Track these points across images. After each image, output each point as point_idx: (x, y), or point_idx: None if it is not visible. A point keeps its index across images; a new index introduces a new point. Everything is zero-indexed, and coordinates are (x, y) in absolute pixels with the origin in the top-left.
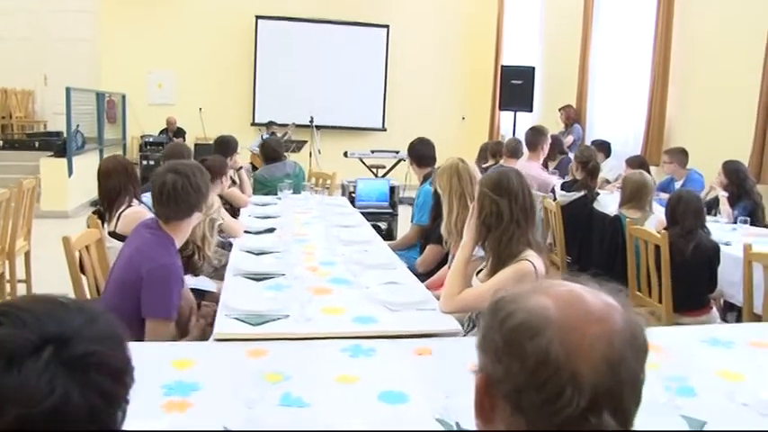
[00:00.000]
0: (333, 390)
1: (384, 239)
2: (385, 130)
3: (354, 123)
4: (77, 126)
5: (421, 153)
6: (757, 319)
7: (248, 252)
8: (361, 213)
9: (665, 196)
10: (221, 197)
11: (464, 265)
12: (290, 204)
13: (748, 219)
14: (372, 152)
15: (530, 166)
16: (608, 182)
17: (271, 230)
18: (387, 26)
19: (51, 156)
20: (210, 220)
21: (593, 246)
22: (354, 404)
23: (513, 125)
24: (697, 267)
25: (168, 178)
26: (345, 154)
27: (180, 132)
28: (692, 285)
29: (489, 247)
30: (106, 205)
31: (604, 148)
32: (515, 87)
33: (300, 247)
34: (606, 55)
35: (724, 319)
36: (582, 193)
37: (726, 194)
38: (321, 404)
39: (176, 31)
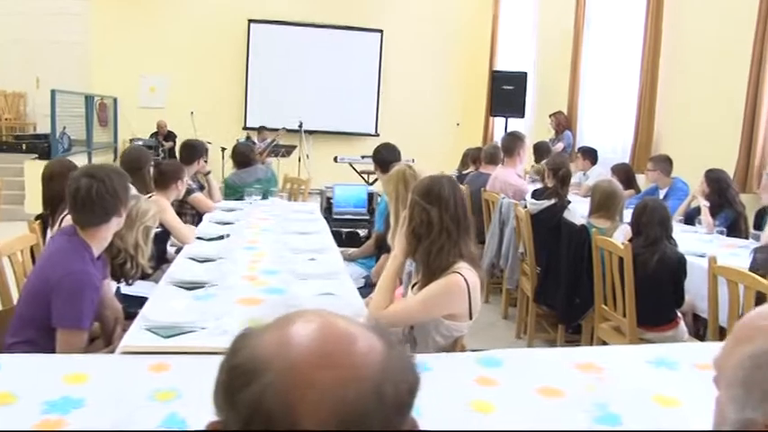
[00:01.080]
0: None
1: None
2: (378, 135)
3: (347, 128)
4: (64, 128)
5: (385, 158)
6: (723, 336)
7: (191, 259)
8: (339, 220)
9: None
10: (186, 202)
11: (393, 277)
12: (254, 210)
13: (725, 230)
14: (363, 157)
15: (506, 173)
16: None
17: (222, 237)
18: (380, 31)
19: (36, 158)
20: (145, 227)
21: (561, 256)
22: None
23: (505, 131)
24: (661, 280)
25: (82, 183)
26: (335, 159)
27: (171, 136)
28: (657, 299)
29: (419, 258)
30: (50, 210)
31: (591, 155)
32: (506, 93)
33: (248, 255)
34: (597, 62)
35: (697, 335)
36: (552, 201)
37: (707, 204)
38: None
39: (168, 34)
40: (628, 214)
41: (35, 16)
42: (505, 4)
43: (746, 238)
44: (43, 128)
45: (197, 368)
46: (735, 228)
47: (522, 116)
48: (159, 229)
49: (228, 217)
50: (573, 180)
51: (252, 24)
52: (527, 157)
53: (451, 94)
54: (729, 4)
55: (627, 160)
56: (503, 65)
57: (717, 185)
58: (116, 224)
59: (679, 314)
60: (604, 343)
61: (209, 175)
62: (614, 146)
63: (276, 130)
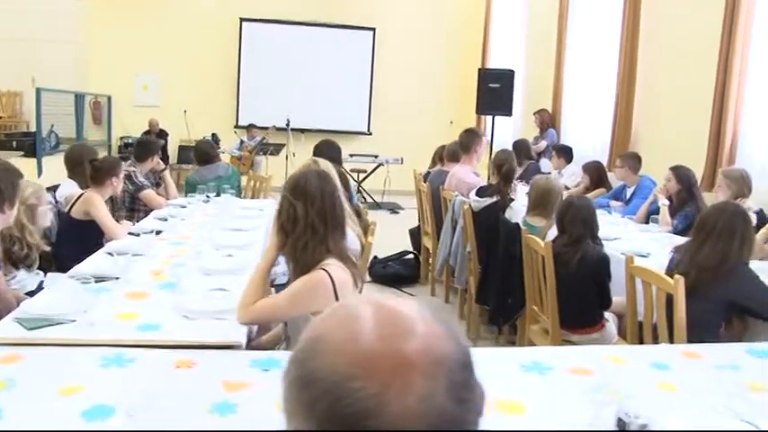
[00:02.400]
0: (49, 403)
1: None
2: (370, 133)
3: (340, 127)
4: (52, 126)
5: (325, 155)
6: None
7: (108, 253)
8: None
9: (615, 204)
10: (138, 199)
11: (262, 273)
12: (201, 207)
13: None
14: (351, 156)
15: (462, 171)
16: (567, 188)
17: (154, 233)
18: (373, 29)
19: (23, 155)
20: (27, 207)
21: (498, 255)
22: (57, 420)
23: (492, 129)
24: (583, 280)
25: None
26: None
27: (162, 134)
28: (581, 300)
29: (287, 253)
30: None
31: (566, 153)
32: (493, 91)
33: (169, 250)
34: (579, 60)
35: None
36: (494, 198)
37: (667, 203)
38: (24, 418)
39: (162, 33)
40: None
41: (30, 15)
42: (498, 2)
43: None
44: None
45: (44, 360)
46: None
47: (510, 114)
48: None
49: (173, 212)
50: None
51: (244, 23)
52: (484, 155)
53: (444, 91)
54: (700, 6)
55: (606, 159)
56: (495, 63)
57: (687, 181)
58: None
59: (606, 316)
60: (533, 344)
61: (164, 172)
62: (594, 144)
63: (266, 128)
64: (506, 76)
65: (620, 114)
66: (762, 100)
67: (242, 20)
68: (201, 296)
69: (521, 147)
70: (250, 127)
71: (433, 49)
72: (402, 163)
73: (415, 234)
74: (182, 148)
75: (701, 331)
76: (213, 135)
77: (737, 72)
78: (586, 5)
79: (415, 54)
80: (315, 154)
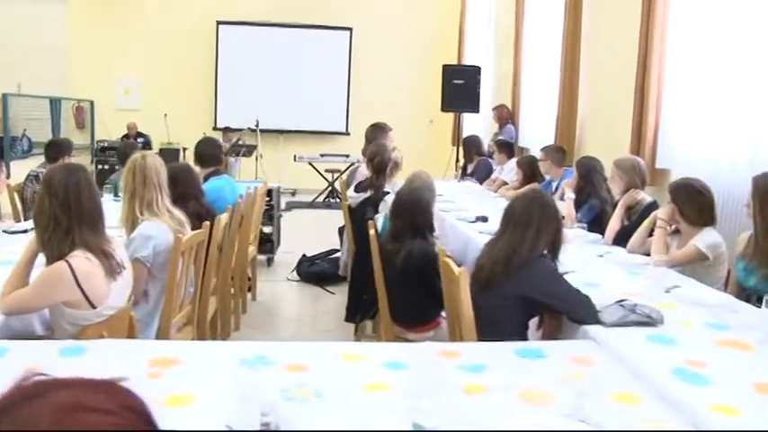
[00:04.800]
0: None
1: (263, 244)
2: (348, 134)
3: (318, 127)
4: (24, 131)
5: (203, 152)
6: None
7: None
8: None
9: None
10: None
11: (22, 264)
12: None
13: (586, 225)
14: (322, 156)
15: (363, 166)
16: (505, 183)
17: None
18: (350, 29)
19: None
20: None
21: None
22: None
23: (457, 126)
24: (409, 277)
25: None
26: (295, 158)
27: (141, 137)
28: (410, 297)
29: (39, 245)
30: None
31: (507, 148)
32: (458, 87)
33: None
34: (533, 57)
35: None
36: (368, 193)
37: (572, 197)
38: None
39: (141, 38)
40: None
41: (16, 22)
42: (473, 1)
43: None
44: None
45: None
46: (600, 221)
47: (477, 111)
48: None
49: None
50: (494, 175)
51: (220, 26)
52: None
53: (423, 90)
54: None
55: None
56: (470, 60)
57: (584, 171)
58: None
59: (444, 314)
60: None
61: None
62: (544, 140)
63: (241, 130)
64: (471, 73)
65: (562, 111)
66: (681, 93)
67: (218, 23)
68: None
69: (471, 143)
70: (226, 129)
71: (410, 47)
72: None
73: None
74: (163, 151)
75: (499, 329)
76: (125, 137)
77: (657, 65)
78: (538, 4)
79: (392, 53)
80: (195, 150)
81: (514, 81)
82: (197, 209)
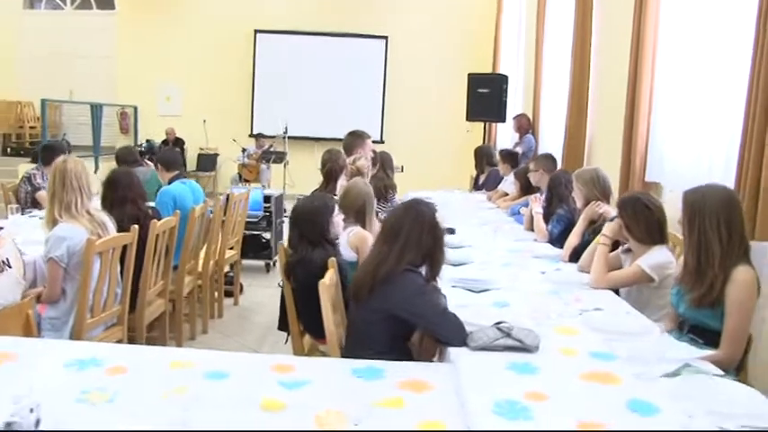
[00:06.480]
0: None
1: (262, 250)
2: (383, 142)
3: None
4: (64, 135)
5: (166, 158)
6: None
7: None
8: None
9: (524, 211)
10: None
11: None
12: None
13: (556, 234)
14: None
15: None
16: (506, 194)
17: None
18: (385, 37)
19: (29, 162)
20: None
21: None
22: None
23: (484, 135)
24: (312, 288)
25: None
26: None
27: (179, 142)
28: (316, 308)
29: None
30: None
31: (510, 159)
32: (483, 96)
33: None
34: (553, 66)
35: None
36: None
37: (540, 211)
38: None
39: (182, 46)
40: None
41: (69, 33)
42: (508, 10)
43: None
44: (75, 135)
45: None
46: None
47: (503, 120)
48: None
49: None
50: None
51: (258, 34)
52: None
53: (458, 99)
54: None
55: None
56: (504, 69)
57: (551, 184)
58: None
59: None
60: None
61: None
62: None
63: (273, 137)
64: (497, 81)
65: (571, 122)
66: (672, 107)
67: (256, 31)
68: None
69: (482, 153)
70: (258, 136)
71: (446, 56)
72: (402, 171)
73: None
74: (200, 156)
75: (367, 343)
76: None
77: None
78: (557, 13)
79: (428, 62)
80: (158, 157)
81: (535, 91)
82: (135, 212)
